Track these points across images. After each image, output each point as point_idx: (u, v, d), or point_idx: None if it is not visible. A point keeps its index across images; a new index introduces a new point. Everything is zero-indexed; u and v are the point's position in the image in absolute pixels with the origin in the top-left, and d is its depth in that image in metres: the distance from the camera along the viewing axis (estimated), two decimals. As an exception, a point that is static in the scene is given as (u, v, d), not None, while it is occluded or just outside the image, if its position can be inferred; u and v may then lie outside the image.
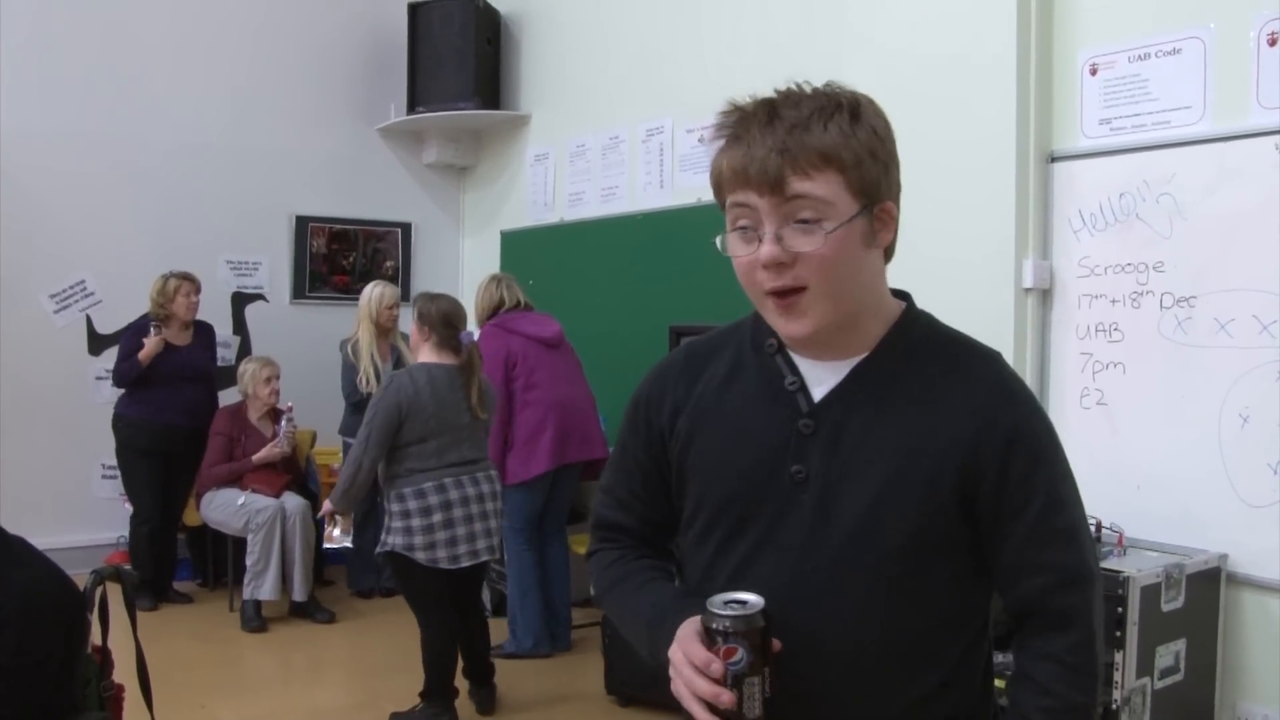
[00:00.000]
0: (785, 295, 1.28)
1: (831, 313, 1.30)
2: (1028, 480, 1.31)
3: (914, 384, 1.34)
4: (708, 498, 1.40)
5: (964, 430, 1.30)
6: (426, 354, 4.08)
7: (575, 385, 5.00)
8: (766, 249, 1.26)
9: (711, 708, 1.22)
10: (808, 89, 1.30)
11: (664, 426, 1.44)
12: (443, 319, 4.07)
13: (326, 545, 5.80)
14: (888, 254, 1.37)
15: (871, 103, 1.32)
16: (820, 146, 1.24)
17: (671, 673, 1.28)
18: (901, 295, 1.42)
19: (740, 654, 1.22)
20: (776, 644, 1.26)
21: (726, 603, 1.25)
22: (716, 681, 1.22)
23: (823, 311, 1.29)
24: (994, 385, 1.34)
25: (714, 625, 1.23)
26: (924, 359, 1.36)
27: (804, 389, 1.36)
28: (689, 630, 1.27)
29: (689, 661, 1.24)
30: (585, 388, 5.04)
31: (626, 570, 1.48)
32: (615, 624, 1.52)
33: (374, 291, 5.83)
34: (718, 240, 1.32)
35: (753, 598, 1.25)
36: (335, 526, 4.40)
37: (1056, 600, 1.32)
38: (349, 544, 5.86)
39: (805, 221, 1.25)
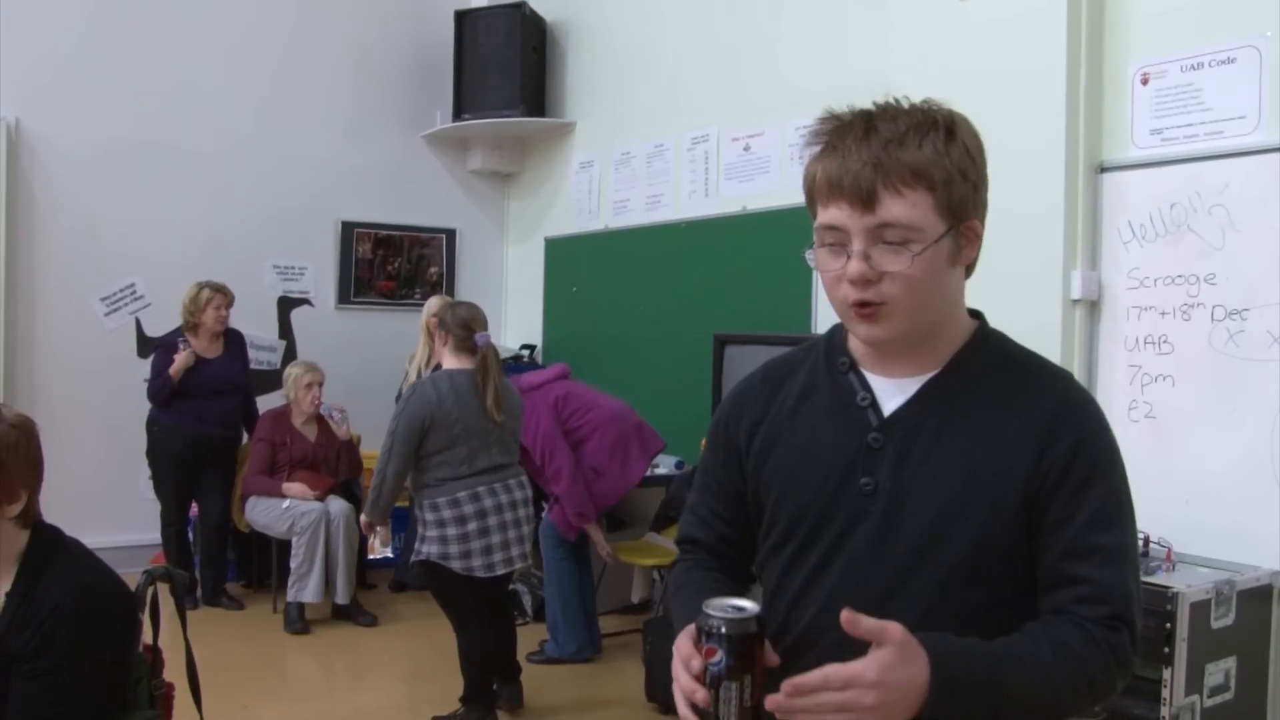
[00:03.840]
0: (867, 305, 1.31)
1: (910, 324, 1.33)
2: (1079, 494, 1.31)
3: (982, 401, 1.36)
4: (781, 510, 1.43)
5: (1029, 446, 1.32)
6: (448, 359, 4.12)
7: (607, 394, 5.09)
8: (855, 266, 1.29)
9: (694, 705, 1.24)
10: (905, 104, 1.34)
11: (741, 444, 1.49)
12: (459, 323, 4.09)
13: (370, 556, 5.90)
14: (969, 270, 1.39)
15: (966, 122, 1.36)
16: (913, 163, 1.28)
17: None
18: (975, 314, 1.44)
19: (719, 655, 1.22)
20: (773, 659, 1.28)
21: (725, 606, 1.26)
22: (696, 679, 1.23)
23: (902, 323, 1.33)
24: (1060, 401, 1.36)
25: (701, 624, 1.25)
26: (994, 377, 1.38)
27: (875, 405, 1.39)
28: (692, 627, 1.30)
29: (678, 654, 1.28)
30: None
31: (690, 578, 1.52)
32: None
33: (428, 301, 6.09)
34: (807, 255, 1.36)
35: (750, 605, 1.26)
36: (375, 537, 4.43)
37: (1085, 613, 1.29)
38: (389, 554, 5.96)
39: (892, 243, 1.28)
